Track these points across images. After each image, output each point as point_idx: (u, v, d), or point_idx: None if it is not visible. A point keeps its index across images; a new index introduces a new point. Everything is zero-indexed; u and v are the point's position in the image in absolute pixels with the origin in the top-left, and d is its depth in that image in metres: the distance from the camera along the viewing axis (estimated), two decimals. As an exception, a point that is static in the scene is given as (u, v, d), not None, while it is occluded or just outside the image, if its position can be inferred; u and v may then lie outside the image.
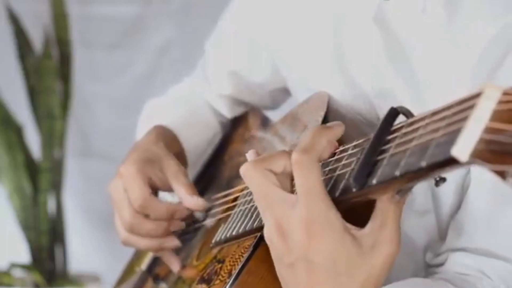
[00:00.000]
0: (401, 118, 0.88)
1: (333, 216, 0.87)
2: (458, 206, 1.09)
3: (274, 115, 1.40)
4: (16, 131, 2.63)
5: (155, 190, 1.27)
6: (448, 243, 1.09)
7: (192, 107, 1.44)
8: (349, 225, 0.88)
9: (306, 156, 0.89)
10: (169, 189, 1.27)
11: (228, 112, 1.45)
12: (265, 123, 1.40)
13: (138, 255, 1.45)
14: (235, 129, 1.46)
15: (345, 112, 1.14)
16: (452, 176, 1.06)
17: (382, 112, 1.10)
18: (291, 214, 0.89)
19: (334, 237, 0.87)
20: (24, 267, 2.63)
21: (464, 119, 0.73)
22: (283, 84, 1.36)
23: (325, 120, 1.08)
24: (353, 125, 1.12)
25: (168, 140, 1.34)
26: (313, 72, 1.22)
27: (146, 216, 1.23)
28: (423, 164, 0.76)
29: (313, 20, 1.21)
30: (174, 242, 1.24)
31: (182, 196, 1.24)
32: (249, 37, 1.36)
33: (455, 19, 1.05)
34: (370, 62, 1.12)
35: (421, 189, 1.12)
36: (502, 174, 0.69)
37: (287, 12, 1.25)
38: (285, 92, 1.39)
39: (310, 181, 0.88)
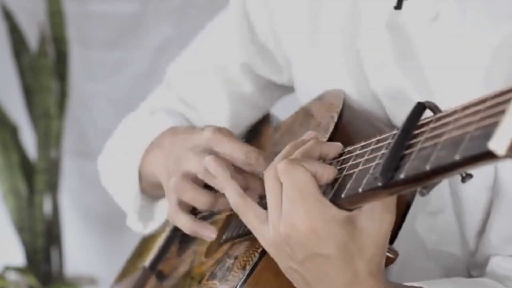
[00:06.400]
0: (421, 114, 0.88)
1: (333, 210, 0.91)
2: (487, 205, 1.10)
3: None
4: (11, 131, 2.63)
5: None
6: (484, 253, 1.12)
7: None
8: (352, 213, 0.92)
9: (290, 165, 0.93)
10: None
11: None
12: (272, 120, 1.38)
13: (139, 252, 1.43)
14: None
15: (360, 109, 1.15)
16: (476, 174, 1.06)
17: (392, 114, 1.13)
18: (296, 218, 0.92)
19: (337, 228, 0.91)
20: (18, 270, 2.63)
21: (501, 112, 0.73)
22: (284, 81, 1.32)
23: (340, 117, 1.09)
24: (369, 122, 1.14)
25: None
26: (324, 74, 1.21)
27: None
28: (457, 157, 0.76)
29: (327, 22, 1.20)
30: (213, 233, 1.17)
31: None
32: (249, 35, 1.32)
33: (467, 22, 1.06)
34: (381, 66, 1.12)
35: (436, 189, 1.10)
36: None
37: (300, 12, 1.23)
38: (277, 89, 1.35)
39: (300, 184, 0.91)
